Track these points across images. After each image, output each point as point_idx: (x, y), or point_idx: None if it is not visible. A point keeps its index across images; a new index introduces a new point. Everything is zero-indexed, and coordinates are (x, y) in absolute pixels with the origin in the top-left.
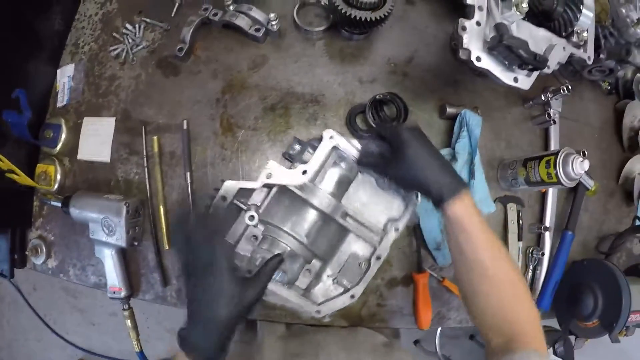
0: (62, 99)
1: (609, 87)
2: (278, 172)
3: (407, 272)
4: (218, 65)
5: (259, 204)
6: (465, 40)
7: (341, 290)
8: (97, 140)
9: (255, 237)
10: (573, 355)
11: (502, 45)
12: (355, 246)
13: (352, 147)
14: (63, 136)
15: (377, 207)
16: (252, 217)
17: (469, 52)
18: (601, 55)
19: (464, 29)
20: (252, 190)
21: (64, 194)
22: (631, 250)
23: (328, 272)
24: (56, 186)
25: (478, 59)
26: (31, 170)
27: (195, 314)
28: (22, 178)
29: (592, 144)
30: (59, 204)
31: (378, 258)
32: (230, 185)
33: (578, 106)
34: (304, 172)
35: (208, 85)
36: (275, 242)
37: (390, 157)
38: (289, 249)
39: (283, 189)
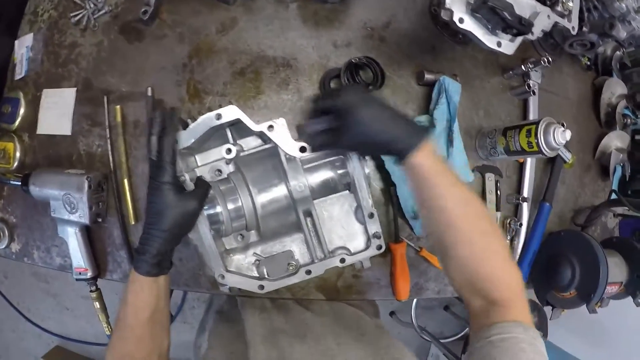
0: (20, 71)
1: (588, 63)
2: (280, 132)
3: (378, 225)
4: (185, 28)
5: (244, 148)
6: (448, 0)
7: (255, 274)
8: (57, 112)
9: (220, 171)
10: (547, 324)
11: (486, 6)
12: (295, 247)
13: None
14: (22, 110)
15: (340, 229)
16: (229, 150)
17: (451, 12)
18: (584, 28)
19: None
20: (246, 132)
21: (24, 172)
22: (605, 224)
23: (257, 250)
24: (16, 164)
25: (461, 20)
26: None
27: (145, 228)
28: None
29: (569, 118)
30: (19, 183)
31: (307, 272)
32: (231, 111)
33: (557, 80)
34: (302, 150)
35: (174, 50)
36: (233, 191)
37: (340, 127)
38: (240, 204)
39: (272, 152)
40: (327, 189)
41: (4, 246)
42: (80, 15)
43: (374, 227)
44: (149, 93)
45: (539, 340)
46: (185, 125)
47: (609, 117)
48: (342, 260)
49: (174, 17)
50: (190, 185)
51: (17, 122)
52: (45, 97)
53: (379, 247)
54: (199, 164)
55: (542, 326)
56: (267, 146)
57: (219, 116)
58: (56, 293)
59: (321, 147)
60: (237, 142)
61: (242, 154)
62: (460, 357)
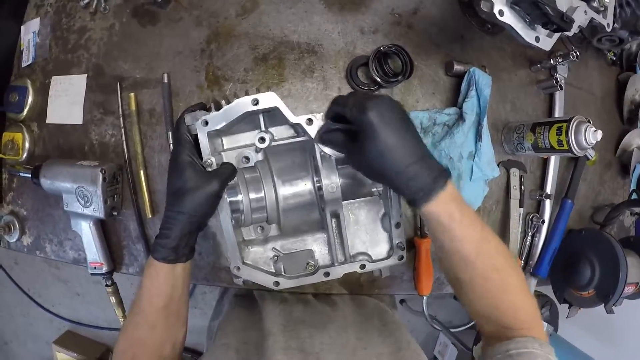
0: (27, 58)
1: (613, 58)
2: (319, 127)
3: (408, 237)
4: (202, 11)
5: (274, 137)
6: None
7: (272, 270)
8: (67, 101)
9: (247, 158)
10: (558, 319)
11: (529, 0)
12: (316, 247)
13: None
14: (30, 99)
15: (363, 235)
16: (262, 140)
17: (491, 4)
18: (615, 24)
19: None
20: (279, 120)
21: (34, 164)
22: (622, 222)
23: (277, 245)
24: (25, 155)
25: (501, 12)
26: None
27: (166, 211)
28: None
29: (593, 114)
30: (29, 175)
31: (326, 275)
32: (270, 97)
33: (583, 74)
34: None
35: (191, 34)
36: (257, 180)
37: (354, 142)
38: (262, 195)
39: (303, 145)
40: (356, 192)
41: (14, 239)
42: None
43: (399, 237)
44: (165, 80)
45: (553, 356)
46: (218, 107)
47: (632, 115)
48: (362, 267)
49: None
50: (214, 168)
51: (25, 111)
52: (54, 84)
53: (401, 258)
54: (225, 147)
55: (553, 320)
56: (300, 139)
57: (256, 101)
58: (67, 279)
59: (327, 144)
60: (268, 129)
61: (273, 143)
62: (471, 348)
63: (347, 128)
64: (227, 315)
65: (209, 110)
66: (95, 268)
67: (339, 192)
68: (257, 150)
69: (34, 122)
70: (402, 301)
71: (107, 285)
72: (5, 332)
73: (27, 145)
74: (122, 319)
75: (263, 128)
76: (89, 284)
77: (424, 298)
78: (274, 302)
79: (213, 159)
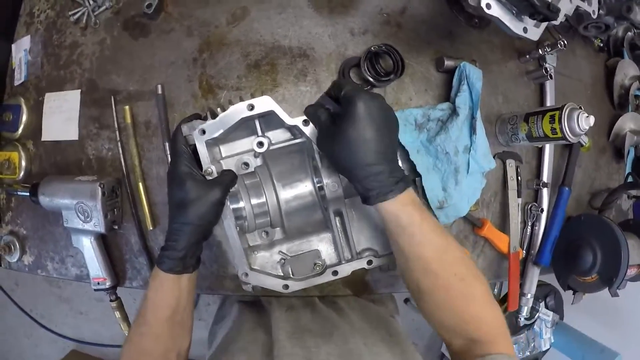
0: (19, 76)
1: (600, 44)
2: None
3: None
4: (192, 21)
5: (272, 141)
6: None
7: (280, 273)
8: (62, 117)
9: (247, 164)
10: (563, 307)
11: None
12: (323, 247)
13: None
14: (24, 117)
15: (368, 230)
16: (261, 144)
17: None
18: (600, 11)
19: None
20: (274, 124)
21: (32, 182)
22: (620, 206)
23: (283, 248)
24: (22, 174)
25: (488, 5)
26: None
27: (170, 223)
28: None
29: (584, 101)
30: (27, 194)
31: (334, 273)
32: (265, 102)
33: (571, 62)
34: None
35: (183, 45)
36: (257, 185)
37: (331, 127)
38: (264, 200)
39: (301, 147)
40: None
41: (15, 259)
42: (80, 13)
43: None
44: (159, 91)
45: None
46: (214, 115)
47: (622, 99)
48: (370, 262)
49: (180, 10)
50: (215, 176)
51: (20, 130)
52: (48, 101)
53: None
54: (223, 155)
55: (558, 309)
56: (297, 141)
57: (251, 107)
58: (69, 297)
59: (311, 118)
60: (265, 134)
61: (271, 147)
62: None
63: (334, 109)
64: (235, 320)
65: (204, 119)
66: (98, 284)
67: (341, 190)
68: (256, 155)
69: (29, 140)
70: (406, 300)
71: (111, 300)
72: (10, 355)
73: (23, 163)
74: (127, 334)
75: (260, 133)
76: (92, 301)
77: None
78: (280, 309)
79: (213, 168)
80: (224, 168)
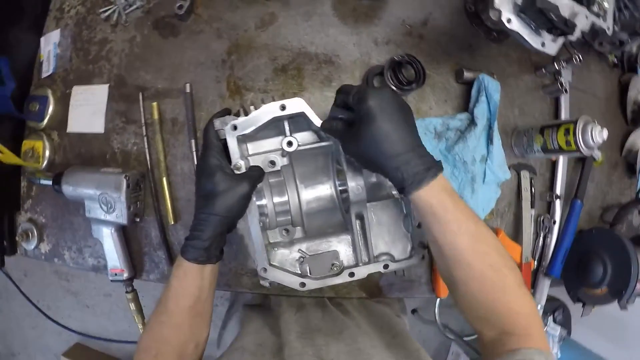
0: (47, 68)
1: (615, 60)
2: None
3: (426, 239)
4: (222, 24)
5: (299, 142)
6: (496, 1)
7: (298, 271)
8: (88, 110)
9: (273, 163)
10: (571, 323)
11: (534, 7)
12: (342, 248)
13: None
14: (50, 108)
15: (386, 235)
16: (290, 144)
17: (499, 12)
18: (615, 27)
19: None
20: (303, 125)
21: (54, 172)
22: (631, 222)
23: (302, 247)
24: (45, 163)
25: (509, 20)
26: (16, 147)
27: (197, 213)
28: (7, 156)
29: (598, 116)
30: (50, 183)
31: (351, 275)
32: (297, 103)
33: (586, 77)
34: None
35: (212, 46)
36: (281, 184)
37: (351, 129)
38: (286, 199)
39: (327, 150)
40: (377, 194)
41: (32, 247)
42: (110, 11)
43: (420, 236)
44: (187, 89)
45: None
46: (246, 112)
47: (636, 115)
48: (386, 267)
49: (210, 12)
50: (243, 171)
51: (45, 120)
52: (75, 94)
53: (422, 257)
54: (250, 152)
55: (566, 324)
56: (324, 144)
57: (283, 107)
58: (77, 291)
59: (329, 132)
60: (293, 135)
61: (299, 148)
62: None
63: (348, 117)
64: (242, 322)
65: (237, 115)
66: (115, 275)
67: (364, 193)
68: (284, 154)
69: (54, 131)
70: (414, 311)
71: (127, 292)
72: (14, 344)
73: (47, 153)
74: (141, 326)
75: (288, 133)
76: (99, 296)
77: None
78: (290, 310)
79: (242, 162)
80: (252, 164)
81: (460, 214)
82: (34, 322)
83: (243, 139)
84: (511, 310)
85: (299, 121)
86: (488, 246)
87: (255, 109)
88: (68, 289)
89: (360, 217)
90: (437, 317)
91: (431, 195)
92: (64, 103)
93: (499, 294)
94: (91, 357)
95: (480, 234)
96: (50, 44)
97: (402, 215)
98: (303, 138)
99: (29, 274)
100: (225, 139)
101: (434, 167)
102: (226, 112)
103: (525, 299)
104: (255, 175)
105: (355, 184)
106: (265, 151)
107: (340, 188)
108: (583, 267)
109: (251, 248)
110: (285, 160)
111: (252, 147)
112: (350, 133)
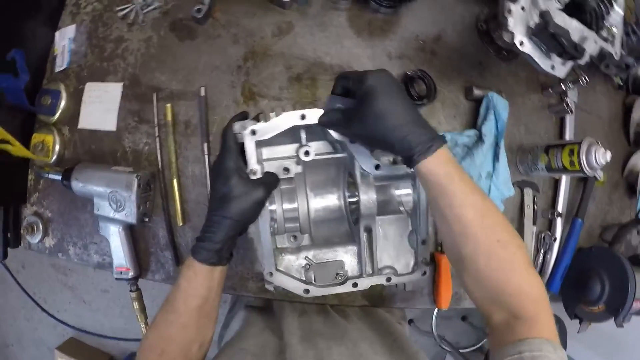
0: (61, 63)
1: (620, 83)
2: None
3: (429, 251)
4: (239, 30)
5: (314, 152)
6: (510, 24)
7: (303, 278)
8: (101, 107)
9: (287, 170)
10: (566, 339)
11: (547, 32)
12: (347, 258)
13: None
14: (62, 103)
15: (391, 249)
16: (307, 153)
17: (512, 35)
18: (622, 52)
19: (509, 11)
20: (318, 135)
21: (63, 167)
22: (630, 241)
23: (309, 255)
24: (54, 157)
25: (521, 43)
26: (26, 140)
27: (210, 215)
28: (17, 148)
29: (601, 136)
30: (59, 177)
31: (354, 285)
32: (317, 113)
33: (591, 98)
34: (377, 167)
35: (228, 51)
36: (292, 191)
37: (353, 111)
38: (296, 206)
39: (340, 161)
40: (386, 209)
41: (37, 240)
42: (128, 10)
43: (424, 253)
44: (202, 93)
45: None
46: (266, 118)
47: (638, 137)
48: (388, 280)
49: (228, 18)
50: (258, 176)
51: (57, 115)
52: (88, 90)
53: (424, 273)
54: (264, 157)
55: (561, 340)
56: (338, 155)
57: (303, 117)
58: (74, 285)
59: (331, 126)
60: (308, 143)
61: (314, 157)
62: None
63: (346, 105)
64: (244, 322)
65: (256, 119)
66: (121, 273)
67: (375, 207)
68: (299, 162)
69: (65, 126)
70: (410, 321)
71: (131, 291)
72: (8, 335)
73: (57, 148)
74: (143, 325)
75: (304, 142)
76: (97, 292)
77: (434, 318)
78: (293, 314)
79: (258, 167)
80: (266, 170)
81: (466, 186)
82: (29, 315)
83: (259, 144)
84: (521, 290)
85: (315, 130)
86: (495, 221)
87: (276, 115)
88: (65, 283)
89: (369, 230)
90: (433, 328)
91: (438, 164)
92: (76, 98)
93: (507, 272)
94: (85, 353)
95: (487, 208)
96: (65, 38)
97: (407, 231)
98: (318, 147)
99: (27, 266)
100: (242, 143)
101: (438, 137)
102: (244, 115)
103: (534, 279)
104: (270, 181)
105: (367, 197)
106: (279, 157)
107: (349, 200)
108: (581, 285)
109: (259, 252)
110: (299, 168)
111: (266, 152)
112: (351, 116)
